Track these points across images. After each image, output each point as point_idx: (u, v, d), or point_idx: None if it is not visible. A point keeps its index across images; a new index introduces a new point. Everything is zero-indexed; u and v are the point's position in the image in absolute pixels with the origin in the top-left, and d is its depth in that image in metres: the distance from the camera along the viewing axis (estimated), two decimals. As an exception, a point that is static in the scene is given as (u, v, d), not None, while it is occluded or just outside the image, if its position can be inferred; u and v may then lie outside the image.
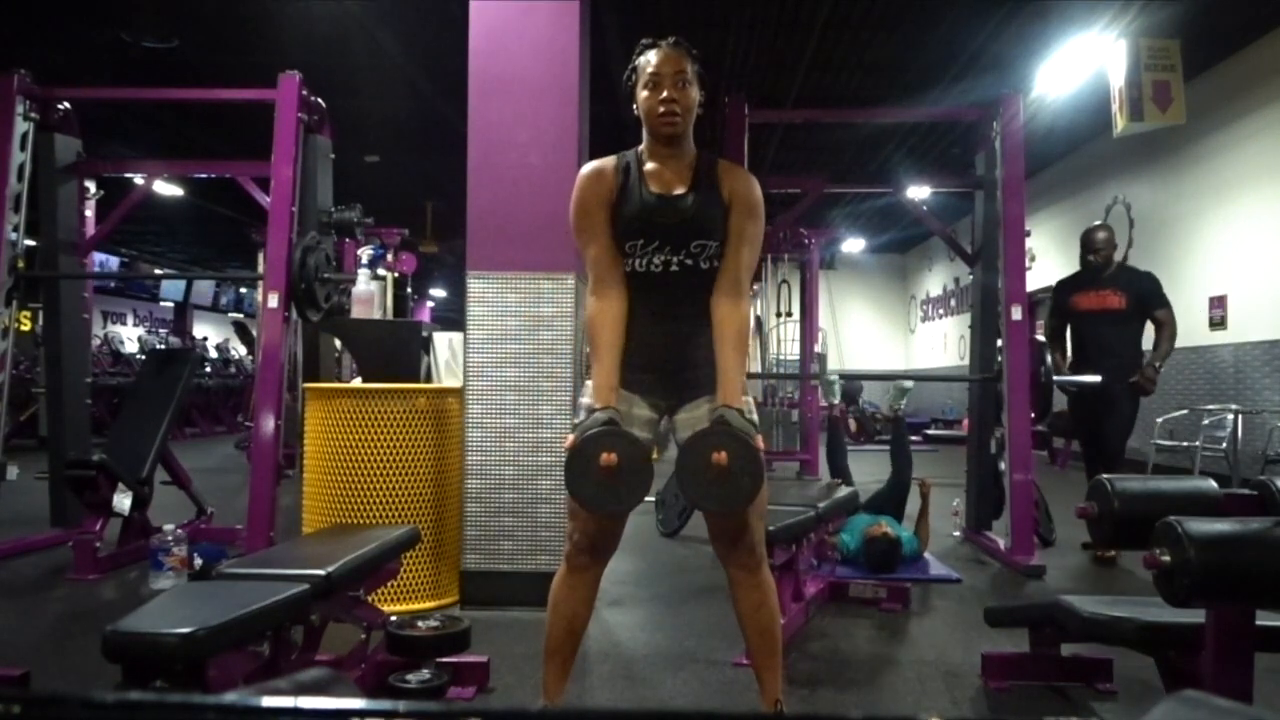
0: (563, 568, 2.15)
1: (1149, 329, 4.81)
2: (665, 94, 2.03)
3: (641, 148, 2.14)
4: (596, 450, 1.90)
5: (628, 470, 1.90)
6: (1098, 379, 4.50)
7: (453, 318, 17.28)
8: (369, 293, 4.28)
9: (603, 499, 1.94)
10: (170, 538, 3.82)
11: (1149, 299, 4.68)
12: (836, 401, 4.73)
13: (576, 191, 2.12)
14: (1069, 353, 4.93)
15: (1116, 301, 4.61)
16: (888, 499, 4.42)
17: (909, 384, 4.79)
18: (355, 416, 3.40)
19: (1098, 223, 4.76)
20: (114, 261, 15.46)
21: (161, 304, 18.01)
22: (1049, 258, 10.01)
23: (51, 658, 2.86)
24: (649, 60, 2.07)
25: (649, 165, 2.11)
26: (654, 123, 2.07)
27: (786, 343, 10.56)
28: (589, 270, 2.12)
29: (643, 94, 2.07)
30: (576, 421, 2.11)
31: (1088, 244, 4.74)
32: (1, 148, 4.48)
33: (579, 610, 2.14)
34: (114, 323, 16.53)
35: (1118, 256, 5.00)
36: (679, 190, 2.07)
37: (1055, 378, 4.45)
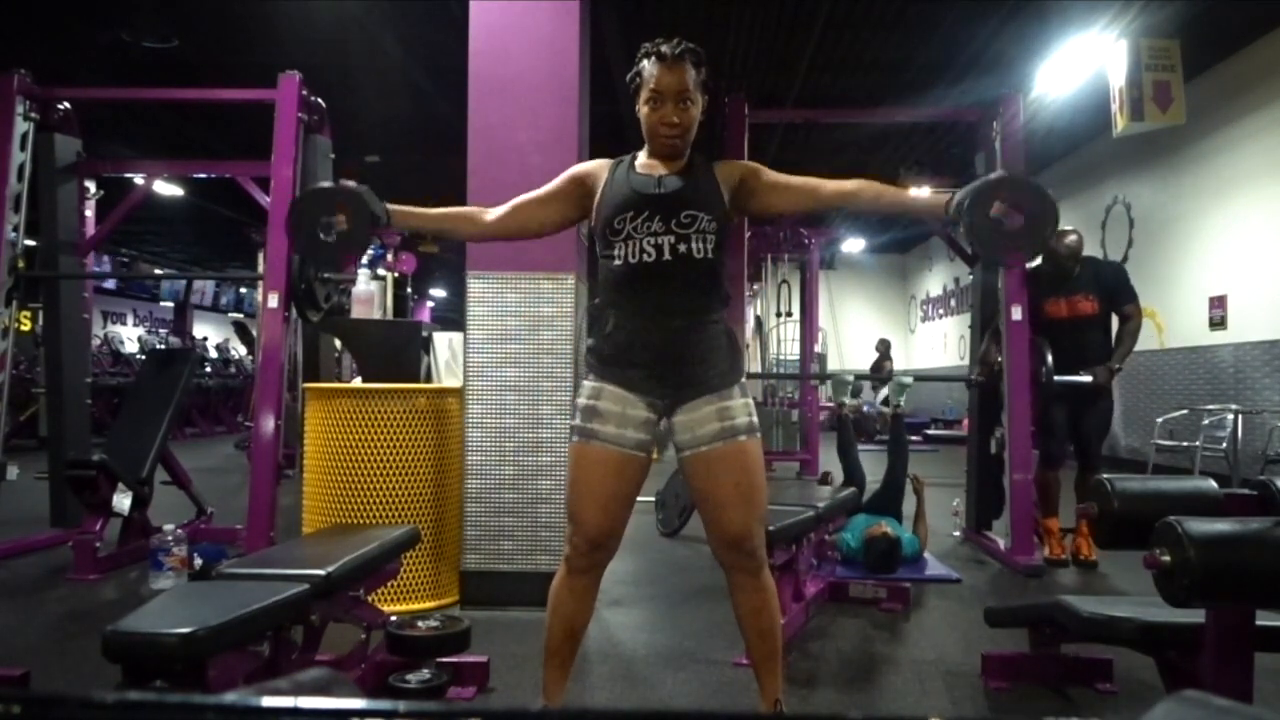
0: (563, 568, 2.14)
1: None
2: (666, 117, 2.04)
3: (639, 152, 2.17)
4: (325, 206, 2.01)
5: (354, 219, 1.99)
6: (1089, 379, 4.45)
7: (453, 318, 17.28)
8: (369, 293, 4.28)
9: (331, 251, 2.06)
10: (170, 538, 3.82)
11: (1118, 294, 4.58)
12: (849, 401, 4.71)
13: (574, 166, 2.24)
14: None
15: (1089, 307, 4.53)
16: (883, 496, 4.42)
17: (908, 380, 4.79)
18: (355, 416, 3.40)
19: (1068, 227, 4.62)
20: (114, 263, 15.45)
21: (161, 304, 18.01)
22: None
23: (51, 658, 2.86)
24: (653, 74, 2.04)
25: (644, 160, 2.14)
26: (654, 140, 2.09)
27: (786, 343, 10.58)
28: (518, 197, 2.20)
29: (644, 108, 2.07)
30: (574, 424, 2.12)
31: (1053, 249, 4.45)
32: (1, 148, 4.48)
33: (579, 611, 2.13)
34: (114, 323, 16.53)
35: (1117, 256, 4.98)
36: (668, 173, 2.10)
37: (1056, 378, 4.42)
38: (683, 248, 2.02)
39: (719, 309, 2.12)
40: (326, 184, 2.01)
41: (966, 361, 5.57)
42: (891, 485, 4.42)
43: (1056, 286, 4.58)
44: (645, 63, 2.07)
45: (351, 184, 2.05)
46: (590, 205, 2.15)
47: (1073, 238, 4.56)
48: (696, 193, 2.07)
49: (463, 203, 3.53)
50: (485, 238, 2.29)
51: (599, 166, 2.17)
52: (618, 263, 2.06)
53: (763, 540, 2.15)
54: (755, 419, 2.12)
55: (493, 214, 2.18)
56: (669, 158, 2.11)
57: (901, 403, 4.62)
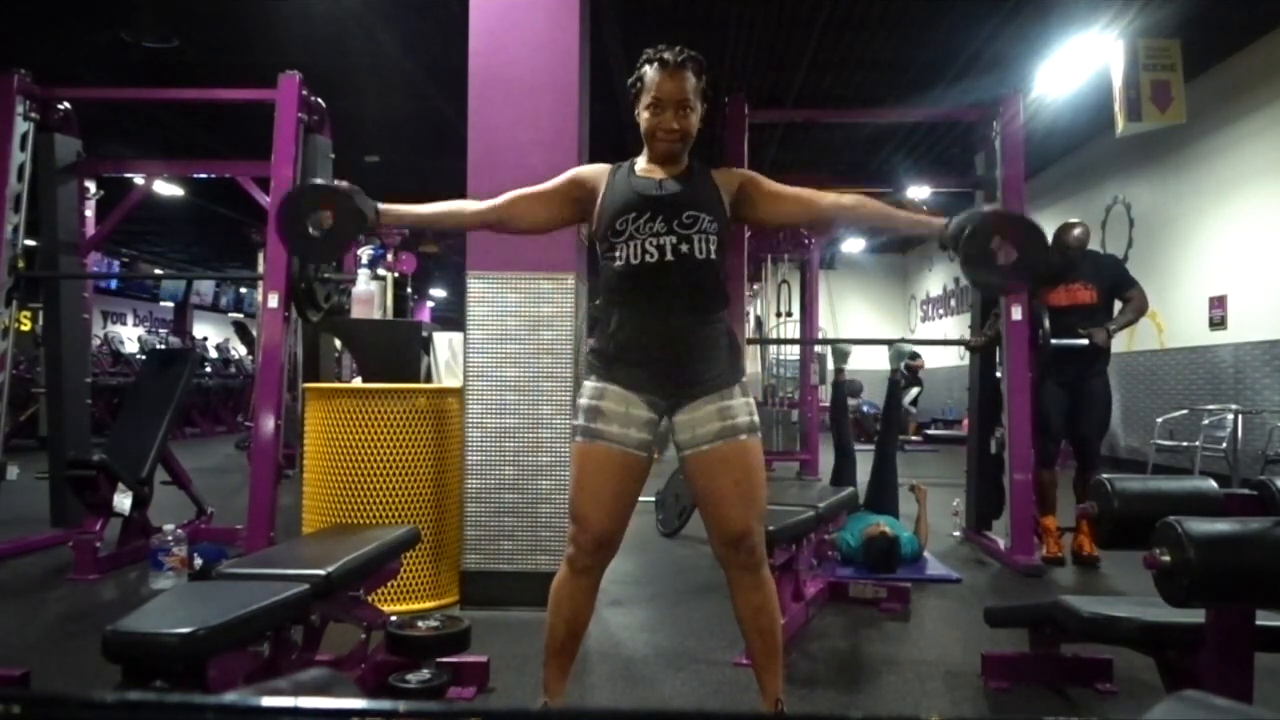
0: (563, 568, 2.15)
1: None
2: (666, 123, 2.05)
3: (639, 158, 2.17)
4: (311, 204, 2.04)
5: (340, 217, 2.02)
6: (1085, 341, 4.46)
7: (453, 318, 17.28)
8: (369, 293, 4.28)
9: (319, 248, 2.10)
10: (170, 538, 3.82)
11: (1119, 284, 4.64)
12: (846, 367, 4.78)
13: (574, 169, 2.24)
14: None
15: (1088, 296, 4.58)
16: (877, 479, 4.44)
17: (909, 347, 4.83)
18: (355, 416, 3.40)
19: (1074, 220, 4.71)
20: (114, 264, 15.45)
21: (161, 304, 18.01)
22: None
23: (51, 658, 2.86)
24: (653, 80, 2.06)
25: (643, 165, 2.15)
26: (654, 146, 2.11)
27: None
28: (512, 191, 2.20)
29: (644, 114, 2.08)
30: (577, 423, 2.12)
31: (1064, 241, 4.58)
32: (1, 148, 4.48)
33: (579, 611, 2.14)
34: (114, 323, 16.52)
35: (1117, 254, 5.00)
36: (668, 176, 2.11)
37: (1053, 341, 4.45)
38: (684, 248, 2.03)
39: (720, 309, 2.13)
40: (317, 181, 2.04)
41: (966, 362, 5.56)
42: (882, 461, 4.43)
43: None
44: (647, 69, 2.08)
45: (343, 184, 2.06)
46: (589, 210, 2.15)
47: (1079, 229, 4.63)
48: (697, 195, 2.08)
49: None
50: (475, 228, 2.30)
51: (599, 171, 2.17)
52: (619, 263, 2.06)
53: (763, 539, 2.15)
54: (756, 418, 2.12)
55: (485, 205, 2.19)
56: (668, 162, 2.12)
57: (901, 368, 4.68)
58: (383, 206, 2.07)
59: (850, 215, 2.17)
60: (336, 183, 2.09)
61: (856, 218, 2.16)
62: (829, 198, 2.14)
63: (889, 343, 4.85)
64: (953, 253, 1.96)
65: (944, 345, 11.35)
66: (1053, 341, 4.45)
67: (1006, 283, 2.01)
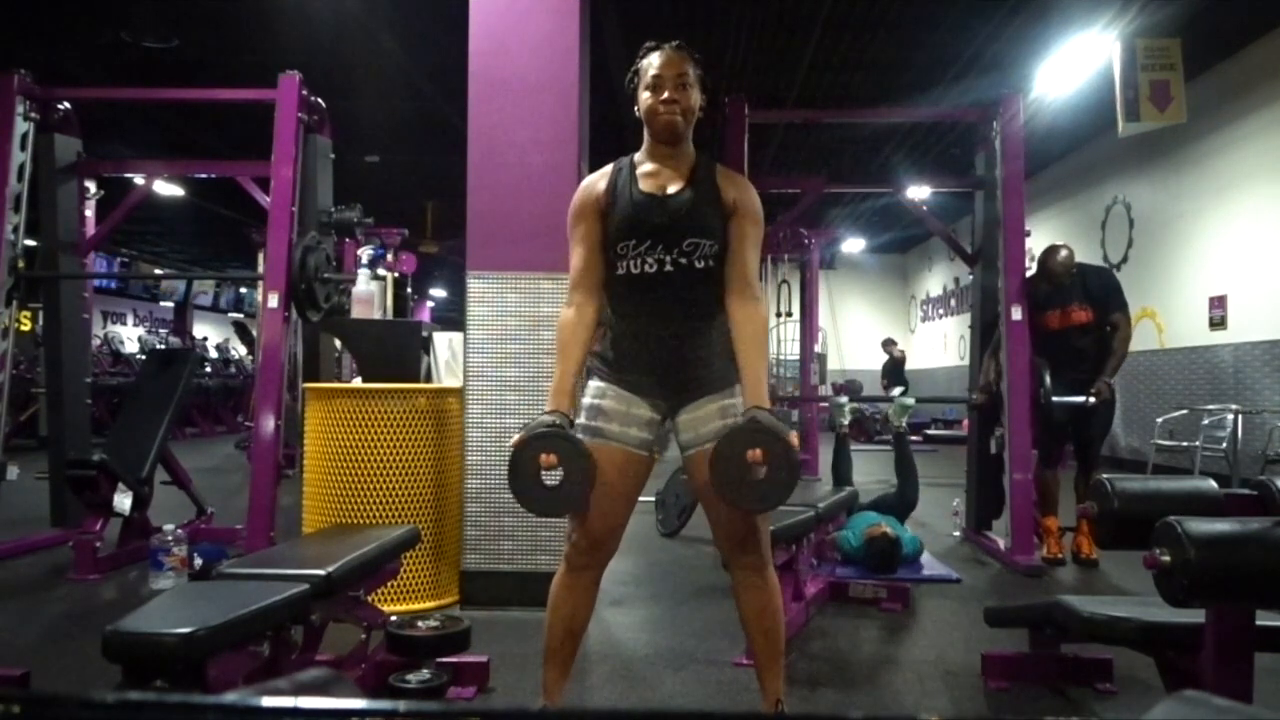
0: (563, 568, 2.15)
1: None
2: (666, 95, 2.05)
3: (639, 153, 2.15)
4: (537, 451, 1.91)
5: (568, 471, 1.91)
6: (1091, 399, 4.43)
7: (453, 318, 17.28)
8: (369, 293, 4.28)
9: (545, 501, 1.96)
10: (170, 538, 3.82)
11: (1109, 302, 4.60)
12: (846, 423, 4.74)
13: (573, 201, 2.16)
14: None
15: (1084, 316, 4.57)
16: (892, 504, 4.42)
17: (910, 401, 4.79)
18: (355, 416, 3.40)
19: (1059, 243, 4.68)
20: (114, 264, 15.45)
21: (161, 304, 18.01)
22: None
23: (51, 658, 2.86)
24: (651, 62, 2.08)
25: (646, 166, 2.12)
26: (655, 123, 2.08)
27: (787, 343, 10.58)
28: (572, 275, 2.12)
29: (644, 95, 2.08)
30: (579, 422, 2.12)
31: (1049, 269, 4.56)
32: (1, 147, 4.47)
33: (579, 611, 2.14)
34: (114, 323, 16.52)
35: (1116, 258, 4.99)
36: (673, 189, 2.08)
37: (1054, 399, 4.43)
38: (684, 261, 2.05)
39: (720, 312, 2.13)
40: (545, 434, 1.94)
41: (966, 361, 5.56)
42: (903, 502, 4.42)
43: (1050, 299, 4.62)
44: (643, 59, 2.11)
45: (566, 432, 1.94)
46: (603, 217, 2.11)
47: (1064, 253, 4.59)
48: (701, 219, 2.05)
49: (463, 202, 3.55)
50: (596, 323, 2.14)
51: (594, 184, 2.13)
52: (620, 272, 2.08)
53: (767, 537, 2.16)
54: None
55: (584, 304, 2.09)
56: (670, 143, 2.09)
57: (904, 424, 4.63)
58: (558, 407, 1.99)
59: (732, 321, 2.06)
60: (564, 431, 1.95)
61: (731, 327, 2.06)
62: (740, 296, 2.05)
63: (889, 399, 4.78)
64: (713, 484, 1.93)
65: (944, 402, 11.38)
66: (1054, 399, 4.41)
67: (740, 495, 1.92)
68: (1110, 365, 4.53)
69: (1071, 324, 4.58)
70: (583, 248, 2.11)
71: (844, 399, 4.95)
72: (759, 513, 2.05)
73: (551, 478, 1.92)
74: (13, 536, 4.47)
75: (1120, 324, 4.58)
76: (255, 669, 2.06)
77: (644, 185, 2.08)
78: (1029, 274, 4.73)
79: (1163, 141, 7.49)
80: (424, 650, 2.41)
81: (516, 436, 1.95)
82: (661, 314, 2.08)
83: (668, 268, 2.04)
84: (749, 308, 2.06)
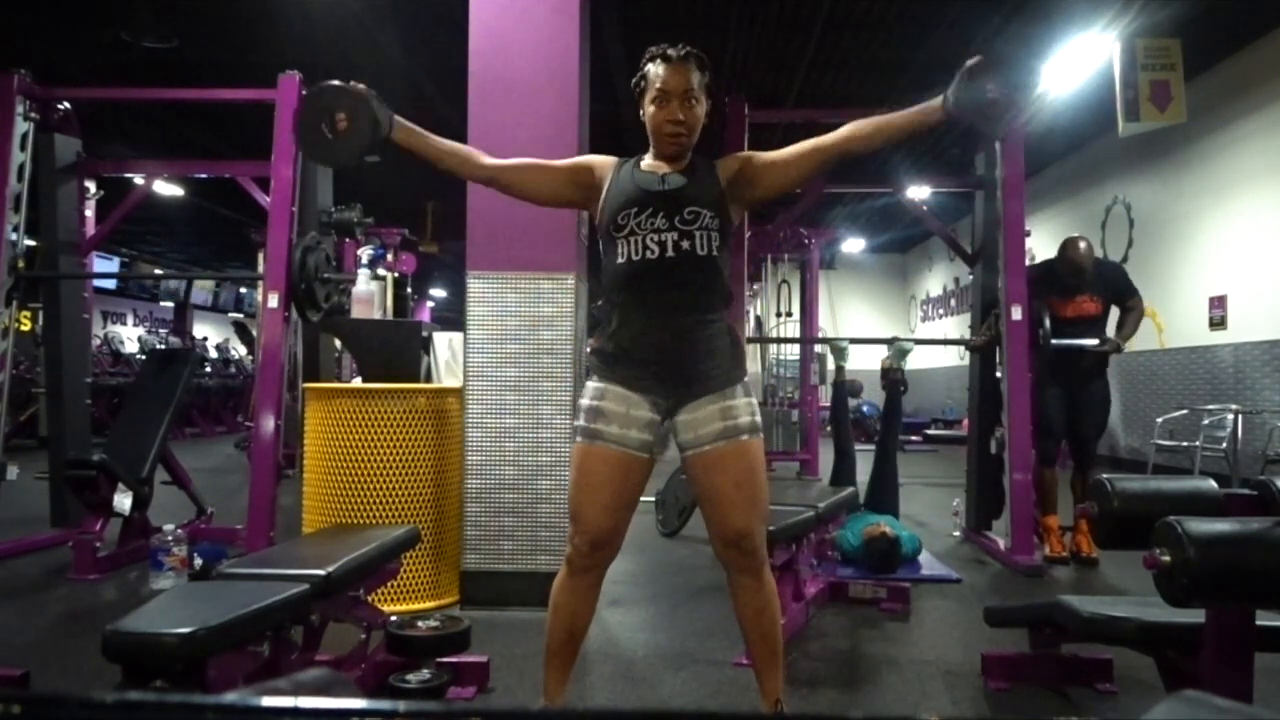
0: (564, 569, 2.14)
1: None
2: (672, 114, 2.06)
3: (645, 156, 2.18)
4: (330, 104, 2.04)
5: (354, 118, 2.03)
6: (1094, 341, 4.52)
7: (453, 318, 17.27)
8: (369, 293, 4.28)
9: (328, 147, 2.08)
10: (170, 538, 3.82)
11: (1121, 293, 4.71)
12: (846, 365, 4.78)
13: (585, 156, 2.28)
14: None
15: (1094, 307, 4.65)
16: (879, 480, 4.44)
17: (910, 345, 4.81)
18: (355, 416, 3.40)
19: (1076, 234, 4.75)
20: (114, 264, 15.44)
21: (161, 304, 18.01)
22: (1049, 257, 10.01)
23: (51, 658, 2.86)
24: (658, 74, 2.08)
25: (648, 162, 2.15)
26: (660, 141, 2.11)
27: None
28: (519, 157, 2.24)
29: (650, 108, 2.09)
30: (578, 424, 2.12)
31: (1073, 259, 4.60)
32: (1, 147, 4.47)
33: (580, 612, 2.14)
34: (114, 323, 16.52)
35: (1116, 257, 5.02)
36: (670, 171, 2.12)
37: (1054, 341, 4.47)
38: (685, 244, 2.03)
39: (721, 307, 2.13)
40: (335, 83, 2.06)
41: (966, 362, 5.56)
42: (882, 461, 4.44)
43: (1064, 287, 4.65)
44: (650, 65, 2.10)
45: (360, 86, 2.06)
46: (594, 197, 2.16)
47: (1084, 244, 4.66)
48: (699, 190, 2.08)
49: (463, 202, 3.55)
50: (478, 178, 2.25)
51: (607, 162, 2.19)
52: (621, 261, 2.07)
53: (764, 539, 2.15)
54: (758, 418, 2.12)
55: (494, 161, 2.20)
56: (673, 158, 2.12)
57: (902, 366, 4.67)
58: (398, 120, 2.09)
59: (856, 142, 2.11)
60: (354, 84, 2.08)
61: (863, 141, 2.11)
62: (827, 137, 2.11)
63: (889, 341, 4.83)
64: (955, 106, 2.09)
65: (944, 345, 11.34)
66: (1053, 342, 4.47)
67: (990, 115, 2.11)
68: (1123, 331, 4.62)
69: (1081, 314, 4.63)
70: (549, 164, 2.25)
71: (845, 341, 4.94)
72: (1005, 123, 2.19)
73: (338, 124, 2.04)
74: (13, 536, 4.47)
75: (1135, 305, 4.68)
76: (255, 669, 2.06)
77: (645, 170, 2.14)
78: (1045, 260, 4.84)
79: (1163, 141, 7.49)
80: (424, 650, 2.41)
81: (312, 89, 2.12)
82: (664, 306, 2.06)
83: (669, 252, 2.02)
84: (844, 135, 2.12)
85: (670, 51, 2.08)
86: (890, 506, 4.42)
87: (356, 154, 2.05)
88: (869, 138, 2.10)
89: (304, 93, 2.09)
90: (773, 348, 10.13)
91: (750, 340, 9.09)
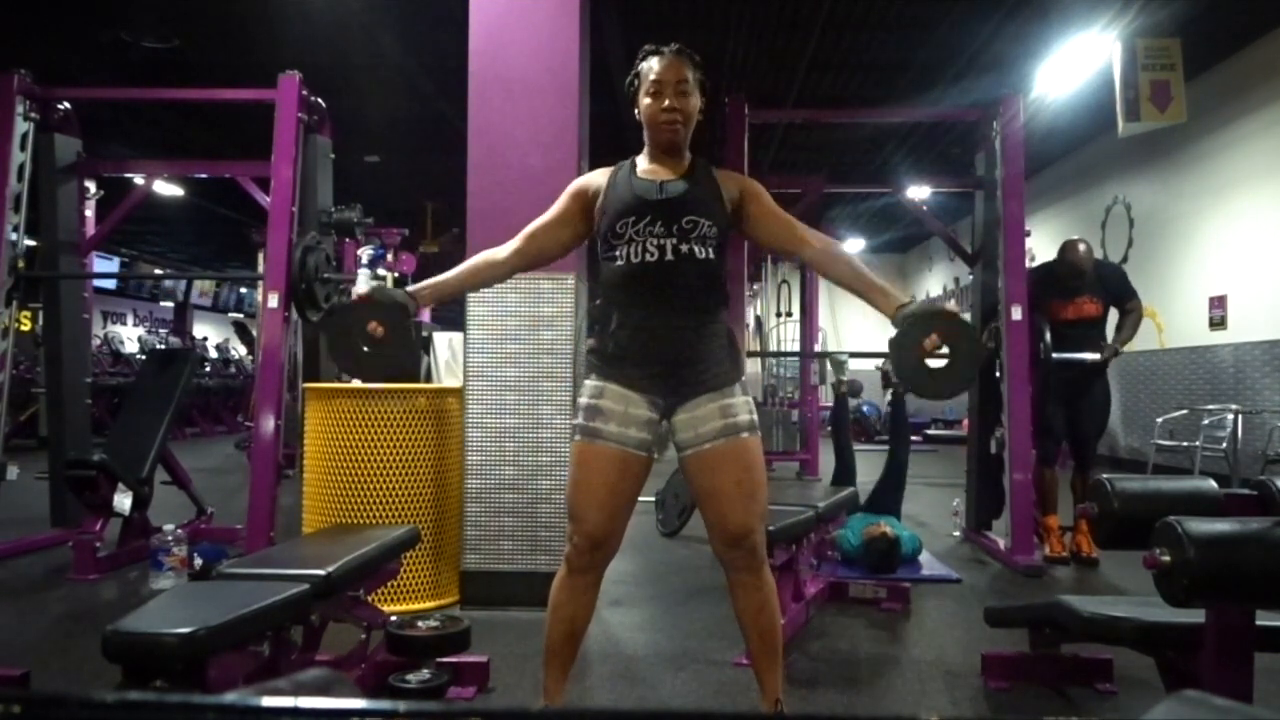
0: (563, 569, 2.14)
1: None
2: (667, 102, 2.07)
3: (640, 156, 2.18)
4: (366, 317, 2.05)
5: (394, 336, 2.06)
6: (1096, 356, 4.53)
7: (453, 318, 17.27)
8: (369, 293, 4.27)
9: (366, 363, 2.10)
10: (170, 538, 3.82)
11: (1121, 295, 4.71)
12: (845, 378, 4.78)
13: (573, 182, 2.26)
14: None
15: (1093, 309, 4.65)
16: (885, 483, 4.44)
17: (843, 357, 4.83)
18: (355, 416, 3.40)
19: (1076, 237, 4.76)
20: (114, 264, 15.44)
21: (161, 304, 18.00)
22: (1049, 257, 10.01)
23: (51, 658, 2.86)
24: (651, 67, 2.10)
25: (646, 165, 2.16)
26: (655, 129, 2.11)
27: (786, 343, 10.57)
28: (528, 227, 2.21)
29: (645, 101, 2.11)
30: (576, 423, 2.12)
31: (1073, 261, 4.61)
32: (1, 147, 4.47)
33: (579, 612, 2.13)
34: (114, 323, 16.52)
35: (1116, 258, 5.02)
36: (671, 178, 2.11)
37: (1054, 355, 4.47)
38: (684, 248, 2.04)
39: (719, 309, 2.14)
40: (345, 302, 2.07)
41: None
42: (894, 471, 4.45)
43: (1064, 289, 4.66)
44: (643, 63, 2.13)
45: (365, 290, 2.06)
46: (595, 213, 2.16)
47: (1084, 246, 4.67)
48: (698, 198, 2.09)
49: (463, 202, 3.55)
50: (512, 274, 2.24)
51: (597, 176, 2.19)
52: (619, 263, 2.07)
53: (763, 538, 2.15)
54: (756, 417, 2.13)
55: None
56: (669, 152, 2.13)
57: (844, 378, 4.71)
58: (414, 289, 2.12)
59: (822, 261, 2.13)
60: (359, 292, 2.08)
61: (828, 272, 2.13)
62: (810, 236, 2.14)
63: (886, 355, 4.81)
64: (896, 368, 2.00)
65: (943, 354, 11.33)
66: (1054, 356, 4.46)
67: (925, 384, 1.99)
68: (1120, 336, 4.63)
69: (1082, 316, 4.64)
70: (552, 216, 2.20)
71: (844, 355, 4.95)
72: (946, 397, 2.10)
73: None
74: (13, 536, 4.47)
75: (1134, 308, 4.68)
76: (255, 669, 2.06)
77: (643, 176, 2.13)
78: (1045, 262, 4.83)
79: (1163, 141, 7.49)
80: (424, 650, 2.41)
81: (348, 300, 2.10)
82: (662, 306, 2.07)
83: (669, 256, 2.03)
84: (828, 248, 2.13)
85: (662, 48, 2.12)
86: (892, 507, 4.42)
87: (408, 358, 2.06)
88: (838, 275, 2.11)
89: (322, 323, 2.10)
90: (772, 346, 10.13)
91: (751, 354, 9.11)
